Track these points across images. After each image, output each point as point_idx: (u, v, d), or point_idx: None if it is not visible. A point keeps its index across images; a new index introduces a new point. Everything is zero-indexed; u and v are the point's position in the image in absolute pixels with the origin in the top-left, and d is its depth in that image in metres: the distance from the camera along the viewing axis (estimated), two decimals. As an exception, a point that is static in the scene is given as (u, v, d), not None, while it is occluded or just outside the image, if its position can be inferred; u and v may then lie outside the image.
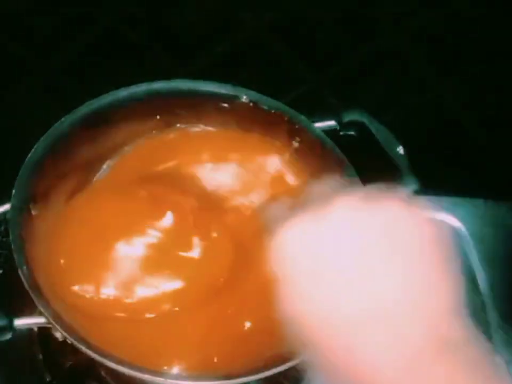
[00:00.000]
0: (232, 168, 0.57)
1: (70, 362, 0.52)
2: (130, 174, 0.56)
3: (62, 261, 0.47)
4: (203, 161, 0.57)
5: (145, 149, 0.57)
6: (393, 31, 0.67)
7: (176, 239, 0.49)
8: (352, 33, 0.68)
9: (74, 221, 0.51)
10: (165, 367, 0.45)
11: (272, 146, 0.57)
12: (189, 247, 0.49)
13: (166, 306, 0.48)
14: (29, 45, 0.66)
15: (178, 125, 0.58)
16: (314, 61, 0.70)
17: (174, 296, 0.48)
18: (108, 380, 0.51)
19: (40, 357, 0.53)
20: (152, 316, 0.47)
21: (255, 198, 0.56)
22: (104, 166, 0.56)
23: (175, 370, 0.45)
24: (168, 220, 0.49)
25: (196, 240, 0.50)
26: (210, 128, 0.58)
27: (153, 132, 0.57)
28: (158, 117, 0.56)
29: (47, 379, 0.52)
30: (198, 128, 0.58)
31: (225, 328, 0.48)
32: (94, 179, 0.55)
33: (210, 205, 0.54)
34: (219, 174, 0.57)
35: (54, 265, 0.47)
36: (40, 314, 0.41)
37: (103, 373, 0.51)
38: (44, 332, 0.52)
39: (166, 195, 0.52)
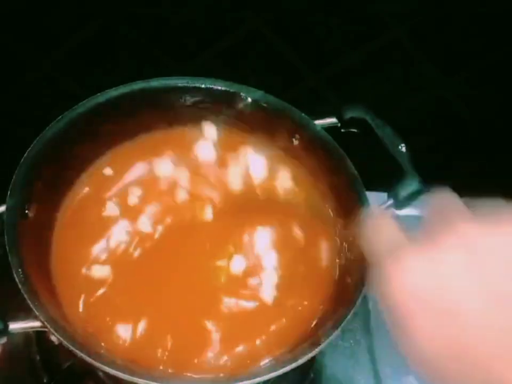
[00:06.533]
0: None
1: (68, 363, 0.52)
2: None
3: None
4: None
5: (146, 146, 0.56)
6: (394, 31, 0.67)
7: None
8: (352, 33, 0.67)
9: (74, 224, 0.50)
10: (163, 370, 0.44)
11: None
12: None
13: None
14: (29, 44, 0.65)
15: (176, 125, 0.57)
16: (314, 59, 0.69)
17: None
18: (105, 381, 0.50)
19: (38, 358, 0.53)
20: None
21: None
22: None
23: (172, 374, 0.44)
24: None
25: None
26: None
27: (153, 130, 0.57)
28: (157, 115, 0.56)
29: (45, 380, 0.52)
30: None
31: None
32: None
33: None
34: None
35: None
36: (36, 318, 0.41)
37: (100, 374, 0.50)
38: (41, 333, 0.52)
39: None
